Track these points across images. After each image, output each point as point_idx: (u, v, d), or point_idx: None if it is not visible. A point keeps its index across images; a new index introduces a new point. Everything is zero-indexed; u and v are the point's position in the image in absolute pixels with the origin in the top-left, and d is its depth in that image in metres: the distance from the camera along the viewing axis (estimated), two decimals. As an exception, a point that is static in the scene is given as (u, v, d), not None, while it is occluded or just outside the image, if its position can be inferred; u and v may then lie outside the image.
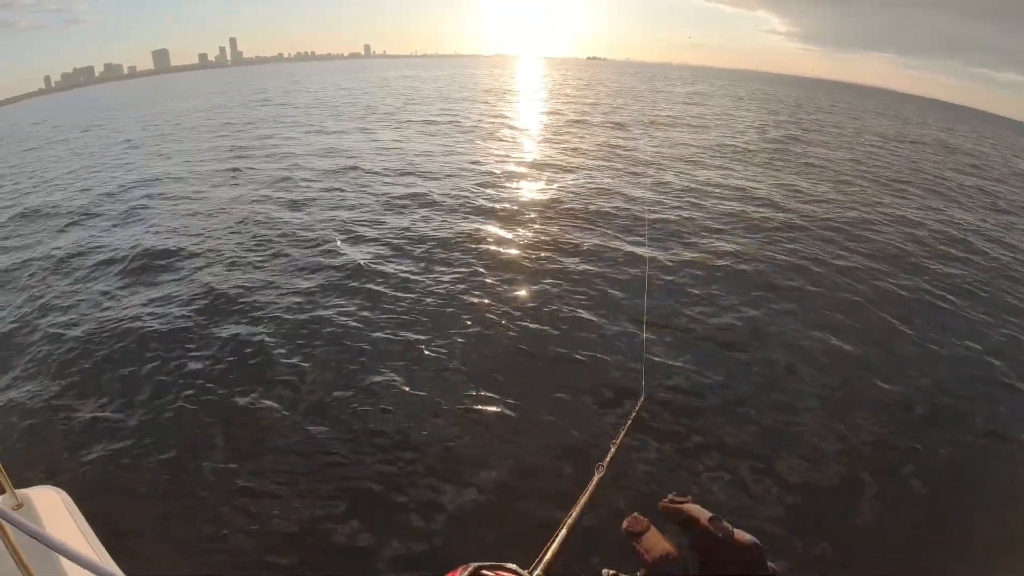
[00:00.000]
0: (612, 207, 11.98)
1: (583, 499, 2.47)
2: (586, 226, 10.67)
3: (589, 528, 3.61)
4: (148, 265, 9.01)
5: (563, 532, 2.06)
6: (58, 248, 10.15)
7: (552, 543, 1.79)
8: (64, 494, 2.42)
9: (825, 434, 5.34)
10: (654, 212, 11.65)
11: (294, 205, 12.18)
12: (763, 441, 5.14)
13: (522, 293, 7.84)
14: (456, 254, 9.16)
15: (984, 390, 6.35)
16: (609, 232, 10.35)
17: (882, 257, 10.07)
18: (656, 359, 6.22)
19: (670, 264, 8.94)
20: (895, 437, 5.40)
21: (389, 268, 8.64)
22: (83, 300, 7.97)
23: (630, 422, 3.55)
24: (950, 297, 8.62)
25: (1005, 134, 52.51)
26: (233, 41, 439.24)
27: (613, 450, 3.00)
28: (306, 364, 6.14)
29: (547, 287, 8.00)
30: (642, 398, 3.96)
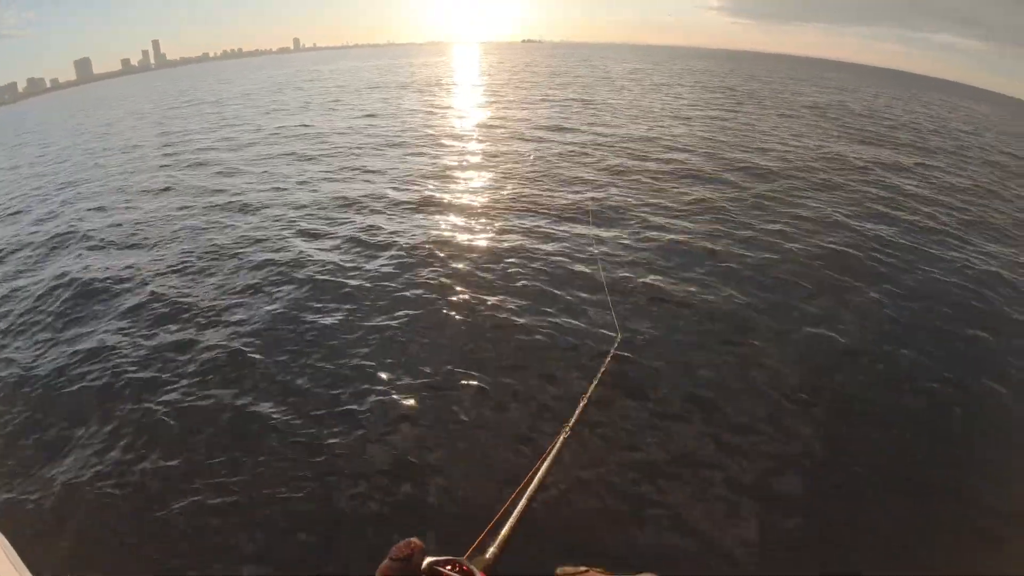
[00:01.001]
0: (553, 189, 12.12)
1: (546, 462, 2.61)
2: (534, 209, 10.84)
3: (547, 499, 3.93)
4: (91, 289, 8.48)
5: (522, 503, 2.18)
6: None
7: (508, 521, 1.89)
8: (2, 538, 2.43)
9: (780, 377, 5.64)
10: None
11: (236, 207, 11.95)
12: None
13: (481, 273, 8.00)
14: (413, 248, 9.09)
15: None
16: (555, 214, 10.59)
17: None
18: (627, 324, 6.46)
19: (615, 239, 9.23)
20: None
21: (334, 260, 8.67)
22: (22, 330, 7.55)
23: (596, 381, 3.84)
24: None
25: (932, 95, 55.08)
26: (156, 43, 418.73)
27: (578, 411, 3.24)
28: (261, 363, 6.10)
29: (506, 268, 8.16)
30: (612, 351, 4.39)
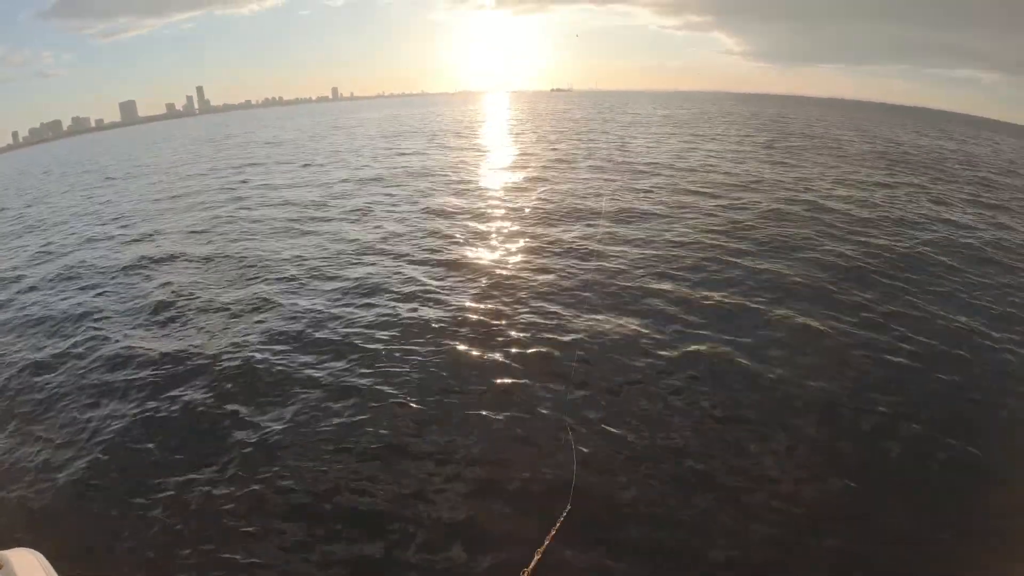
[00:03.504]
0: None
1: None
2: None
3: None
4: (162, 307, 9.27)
5: None
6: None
7: None
8: (41, 556, 2.44)
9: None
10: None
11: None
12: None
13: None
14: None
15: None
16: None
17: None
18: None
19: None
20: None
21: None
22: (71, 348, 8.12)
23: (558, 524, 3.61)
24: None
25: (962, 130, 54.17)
26: (200, 90, 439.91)
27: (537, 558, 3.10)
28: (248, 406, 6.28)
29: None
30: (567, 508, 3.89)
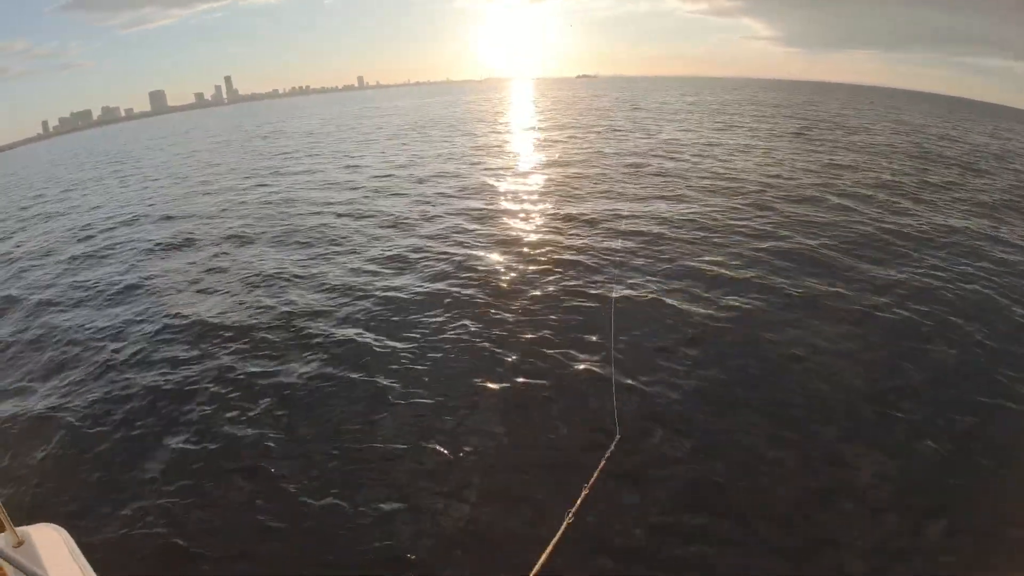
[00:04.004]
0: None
1: (548, 549, 2.49)
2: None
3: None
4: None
5: None
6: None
7: None
8: (64, 532, 2.44)
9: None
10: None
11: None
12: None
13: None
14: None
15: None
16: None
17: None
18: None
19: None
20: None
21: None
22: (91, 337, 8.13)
23: (603, 463, 3.39)
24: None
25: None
26: (228, 79, 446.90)
27: (585, 493, 3.01)
28: (296, 391, 6.27)
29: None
30: (617, 437, 3.77)
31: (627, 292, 8.37)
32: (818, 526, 4.31)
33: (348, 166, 22.96)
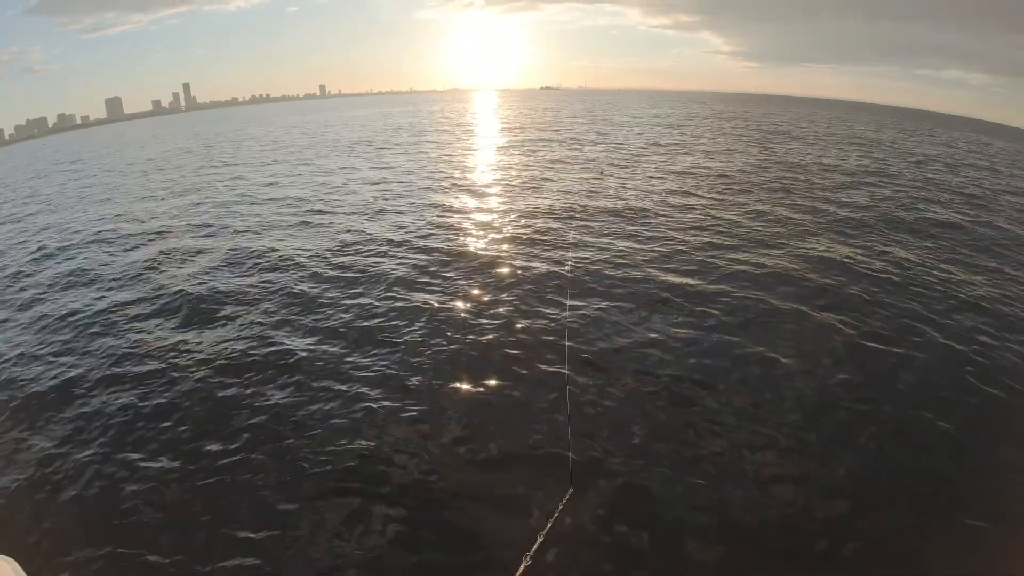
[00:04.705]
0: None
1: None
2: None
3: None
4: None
5: None
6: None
7: None
8: (15, 563, 2.42)
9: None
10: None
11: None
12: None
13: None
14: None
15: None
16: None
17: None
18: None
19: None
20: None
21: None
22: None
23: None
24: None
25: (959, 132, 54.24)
26: (187, 86, 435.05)
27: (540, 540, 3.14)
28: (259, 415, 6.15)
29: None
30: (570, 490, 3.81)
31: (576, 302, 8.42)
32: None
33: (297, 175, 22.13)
